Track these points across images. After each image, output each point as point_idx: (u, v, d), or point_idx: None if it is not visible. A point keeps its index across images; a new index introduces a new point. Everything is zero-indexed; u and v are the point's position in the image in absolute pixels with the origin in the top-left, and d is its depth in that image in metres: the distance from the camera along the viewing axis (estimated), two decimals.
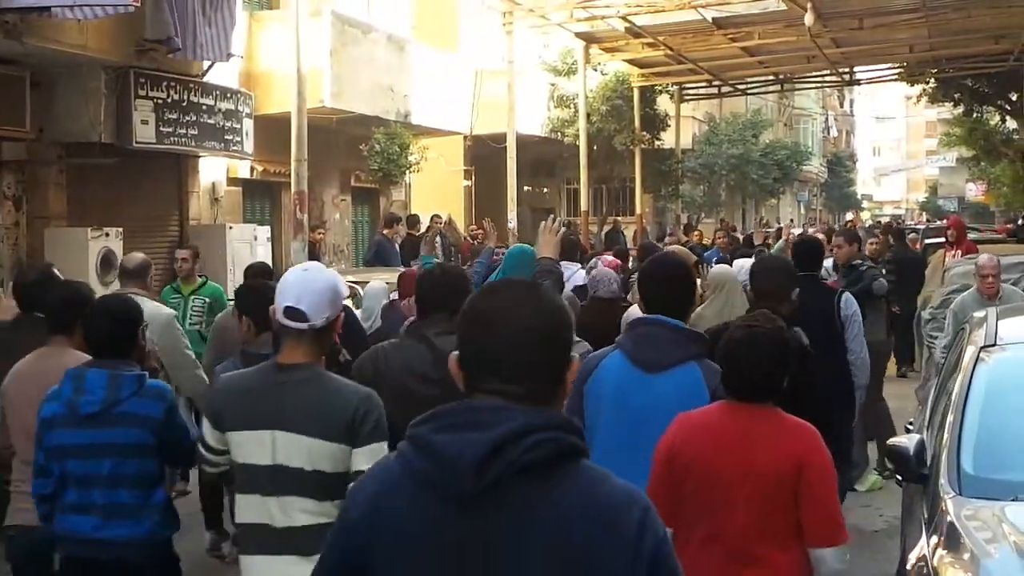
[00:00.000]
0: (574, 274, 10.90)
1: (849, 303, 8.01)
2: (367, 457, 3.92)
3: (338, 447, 4.04)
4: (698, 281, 6.04)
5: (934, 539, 4.65)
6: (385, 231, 18.55)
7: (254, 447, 4.12)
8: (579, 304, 8.81)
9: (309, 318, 4.16)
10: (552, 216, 8.55)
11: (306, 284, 4.24)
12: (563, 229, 6.62)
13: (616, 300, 8.90)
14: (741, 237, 23.87)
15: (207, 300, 10.92)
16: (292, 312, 4.17)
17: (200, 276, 11.35)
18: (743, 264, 9.54)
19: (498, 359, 2.45)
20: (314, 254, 18.83)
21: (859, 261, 12.18)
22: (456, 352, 2.53)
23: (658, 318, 4.83)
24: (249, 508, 4.17)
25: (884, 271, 13.21)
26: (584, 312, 8.54)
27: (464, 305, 2.59)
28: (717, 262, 13.90)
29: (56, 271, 6.94)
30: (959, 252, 14.56)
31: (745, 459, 4.11)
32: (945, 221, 21.46)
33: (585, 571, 2.35)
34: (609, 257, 11.59)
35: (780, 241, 16.56)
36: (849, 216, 58.81)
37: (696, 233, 27.10)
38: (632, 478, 2.56)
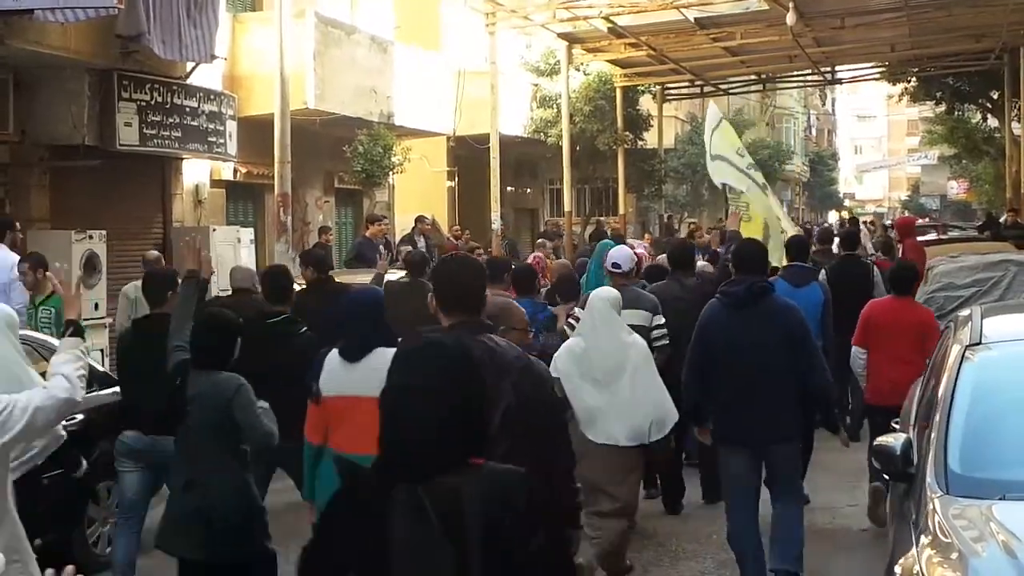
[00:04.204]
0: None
1: (878, 274, 12.94)
2: (661, 320, 9.52)
3: (649, 315, 9.41)
4: None
5: (922, 538, 4.66)
6: (367, 232, 18.53)
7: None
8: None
9: (622, 267, 9.78)
10: None
11: (621, 251, 10.18)
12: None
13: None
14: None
15: (54, 309, 10.83)
16: (615, 265, 9.79)
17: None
18: None
19: (750, 265, 7.87)
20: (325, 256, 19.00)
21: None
22: (731, 266, 8.38)
23: (796, 263, 11.19)
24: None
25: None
26: None
27: (734, 253, 8.35)
28: (709, 259, 14.27)
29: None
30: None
31: (902, 319, 9.43)
32: (927, 220, 21.52)
33: (786, 325, 7.56)
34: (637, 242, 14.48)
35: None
36: (832, 217, 59.05)
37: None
38: None
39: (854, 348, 9.68)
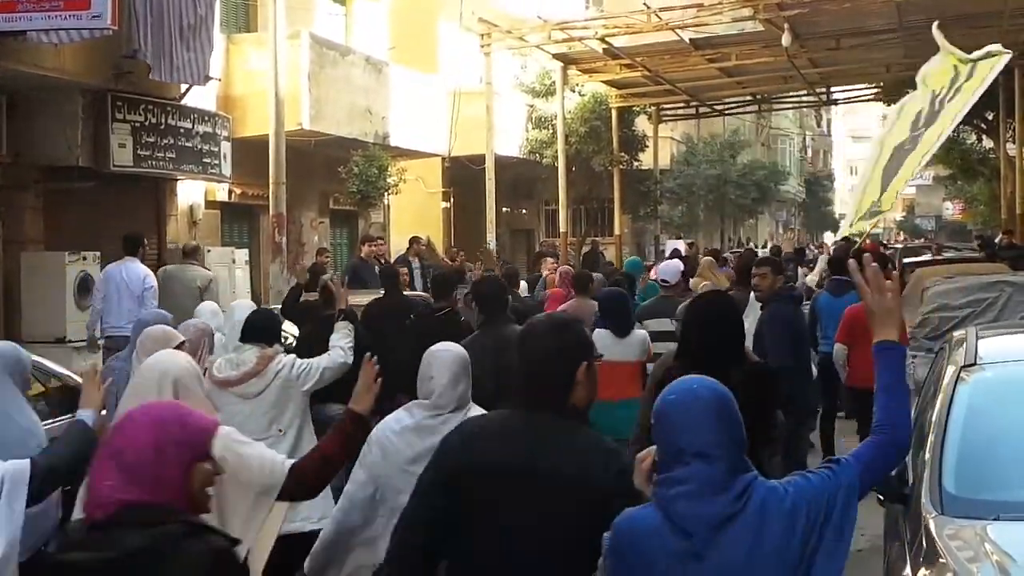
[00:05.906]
0: None
1: None
2: None
3: None
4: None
5: (917, 559, 4.64)
6: (361, 252, 18.46)
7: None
8: None
9: (669, 280, 11.45)
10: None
11: (669, 265, 11.98)
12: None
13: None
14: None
15: None
16: (664, 280, 11.50)
17: None
18: None
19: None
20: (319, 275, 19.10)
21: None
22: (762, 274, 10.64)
23: (836, 276, 12.41)
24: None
25: None
26: None
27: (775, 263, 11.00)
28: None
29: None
30: None
31: None
32: (922, 240, 21.53)
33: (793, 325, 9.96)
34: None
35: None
36: (828, 238, 59.10)
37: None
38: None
39: (837, 345, 11.47)
